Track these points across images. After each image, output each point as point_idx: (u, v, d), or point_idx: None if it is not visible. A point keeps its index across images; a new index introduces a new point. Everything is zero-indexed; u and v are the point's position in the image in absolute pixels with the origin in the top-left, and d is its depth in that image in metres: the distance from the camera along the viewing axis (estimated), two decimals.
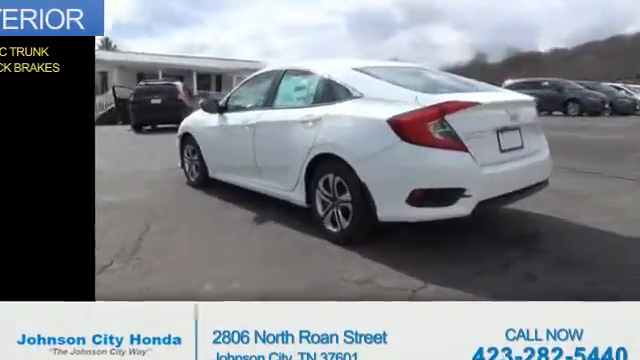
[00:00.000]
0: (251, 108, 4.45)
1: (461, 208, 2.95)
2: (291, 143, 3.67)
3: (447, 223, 3.36)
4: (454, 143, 2.92)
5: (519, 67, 47.91)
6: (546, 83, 18.95)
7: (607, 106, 18.30)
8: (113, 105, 18.83)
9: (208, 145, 5.10)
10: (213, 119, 4.91)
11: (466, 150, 2.94)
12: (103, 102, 22.45)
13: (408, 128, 2.91)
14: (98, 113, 23.00)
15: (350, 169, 3.16)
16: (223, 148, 4.81)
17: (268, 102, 4.23)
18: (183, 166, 5.76)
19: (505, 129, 3.19)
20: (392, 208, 3.02)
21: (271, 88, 4.26)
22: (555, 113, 18.66)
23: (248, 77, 4.98)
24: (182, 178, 5.73)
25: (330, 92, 3.59)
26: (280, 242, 3.46)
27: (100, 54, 26.10)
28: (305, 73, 4.02)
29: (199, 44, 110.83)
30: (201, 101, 5.60)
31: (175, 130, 6.11)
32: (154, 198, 4.99)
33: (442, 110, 2.91)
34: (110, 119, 20.20)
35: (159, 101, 14.21)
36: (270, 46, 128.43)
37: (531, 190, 3.43)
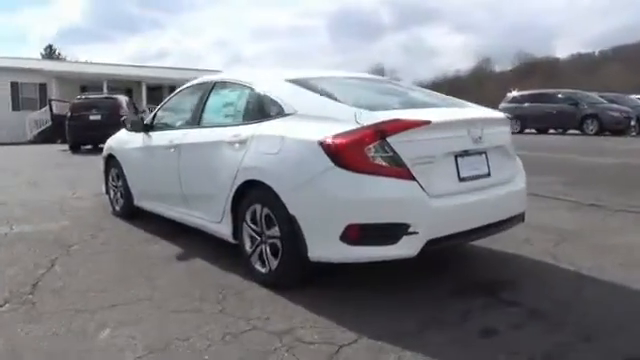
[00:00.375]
0: (178, 127, 4.42)
1: (405, 248, 2.83)
2: (217, 167, 3.60)
3: (401, 261, 3.35)
4: (397, 170, 2.80)
5: (531, 75, 48.65)
6: (560, 95, 19.02)
7: (633, 123, 18.15)
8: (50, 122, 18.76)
9: (132, 169, 5.03)
10: (138, 139, 4.87)
11: (412, 178, 2.82)
12: (42, 118, 22.38)
13: (342, 151, 2.80)
14: (34, 131, 22.96)
15: (278, 199, 3.07)
16: (147, 173, 4.75)
17: (195, 120, 4.19)
18: (108, 192, 5.71)
19: (466, 153, 3.10)
20: (324, 246, 2.92)
21: (198, 103, 4.21)
22: (571, 131, 19.02)
23: (177, 90, 4.98)
24: (108, 206, 5.72)
25: (260, 108, 3.54)
26: (199, 283, 3.38)
27: (38, 64, 26.20)
28: (234, 86, 3.97)
29: (157, 51, 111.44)
30: (123, 118, 5.57)
31: None
32: (69, 230, 4.92)
33: (382, 131, 2.80)
34: (47, 137, 20.10)
35: (99, 117, 14.22)
36: (238, 52, 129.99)
37: (500, 227, 3.34)
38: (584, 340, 2.58)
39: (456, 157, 3.08)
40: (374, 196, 2.80)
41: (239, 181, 3.39)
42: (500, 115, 3.63)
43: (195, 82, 4.55)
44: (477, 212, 3.14)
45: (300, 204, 3.00)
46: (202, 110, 4.13)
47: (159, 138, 4.52)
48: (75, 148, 14.84)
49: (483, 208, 3.17)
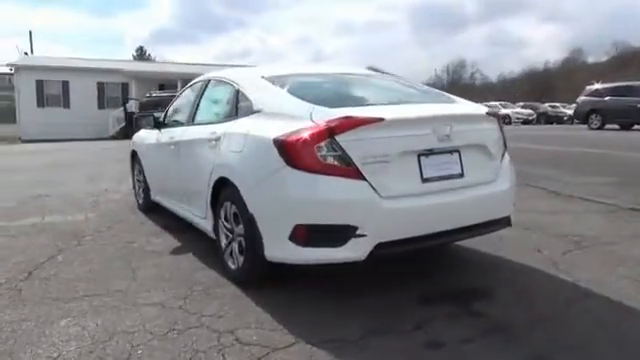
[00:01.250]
0: (179, 124, 4.56)
1: (352, 251, 2.72)
2: (199, 165, 3.68)
3: (383, 263, 3.26)
4: (346, 169, 2.70)
5: (628, 67, 44.96)
6: None
7: None
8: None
9: (148, 165, 5.27)
10: (152, 136, 5.08)
11: (362, 178, 2.71)
12: (121, 116, 23.93)
13: (292, 150, 2.74)
14: (116, 127, 24.61)
15: (241, 197, 3.07)
16: (158, 169, 4.94)
17: (190, 117, 4.31)
18: (134, 187, 6.00)
19: (430, 152, 2.94)
20: (277, 246, 2.87)
21: (194, 101, 4.33)
22: None
23: (184, 87, 5.11)
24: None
25: (236, 106, 3.56)
26: (177, 278, 3.45)
27: (119, 64, 27.99)
28: (221, 84, 4.01)
29: (241, 50, 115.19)
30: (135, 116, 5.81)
31: None
32: (91, 222, 5.23)
33: (331, 129, 2.70)
34: (125, 134, 21.49)
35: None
36: (320, 49, 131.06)
37: (474, 231, 3.13)
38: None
39: (419, 156, 2.91)
40: (321, 196, 2.72)
41: (214, 178, 3.43)
42: (480, 112, 3.34)
43: (196, 79, 4.66)
44: (442, 215, 2.95)
45: (257, 203, 2.98)
46: (196, 108, 4.24)
47: (165, 135, 4.68)
48: None
49: (450, 211, 2.97)
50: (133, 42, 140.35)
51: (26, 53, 31.39)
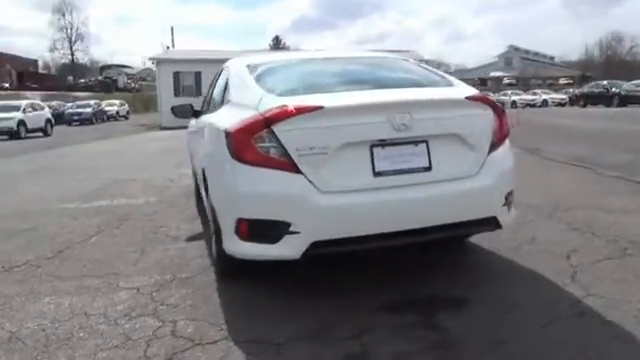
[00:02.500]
0: (205, 112, 4.68)
1: (286, 248, 2.58)
2: (197, 154, 3.80)
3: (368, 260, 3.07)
4: (280, 162, 2.55)
5: None
6: None
7: None
8: None
9: (191, 153, 5.52)
10: (192, 125, 5.30)
11: (297, 171, 2.55)
12: None
13: (234, 141, 2.64)
14: None
15: (208, 188, 3.10)
16: (193, 157, 5.16)
17: (207, 105, 4.37)
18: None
19: (385, 143, 2.65)
20: (228, 240, 2.80)
21: (209, 90, 4.41)
22: None
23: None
24: None
25: (224, 95, 3.53)
26: (173, 264, 3.56)
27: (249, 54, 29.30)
28: (223, 72, 4.00)
29: (377, 34, 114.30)
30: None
31: None
32: (146, 206, 5.66)
33: (267, 119, 2.56)
34: None
35: None
36: (458, 29, 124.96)
37: (445, 232, 2.78)
38: None
39: (372, 148, 2.63)
40: (257, 190, 2.60)
41: (201, 168, 3.48)
42: (456, 96, 2.91)
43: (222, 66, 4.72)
44: (399, 213, 2.64)
45: (215, 195, 2.97)
46: (210, 96, 4.33)
47: (197, 124, 4.85)
48: None
49: (410, 208, 2.65)
50: (274, 32, 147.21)
51: (168, 47, 34.61)
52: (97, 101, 36.27)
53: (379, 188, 2.63)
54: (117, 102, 38.92)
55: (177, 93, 28.59)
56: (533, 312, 2.63)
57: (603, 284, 2.91)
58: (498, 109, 2.96)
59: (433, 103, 2.82)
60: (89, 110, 32.89)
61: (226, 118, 2.95)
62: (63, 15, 70.15)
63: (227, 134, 2.73)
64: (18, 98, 42.51)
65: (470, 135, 2.81)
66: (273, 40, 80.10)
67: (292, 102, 2.63)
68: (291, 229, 2.54)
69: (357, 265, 3.41)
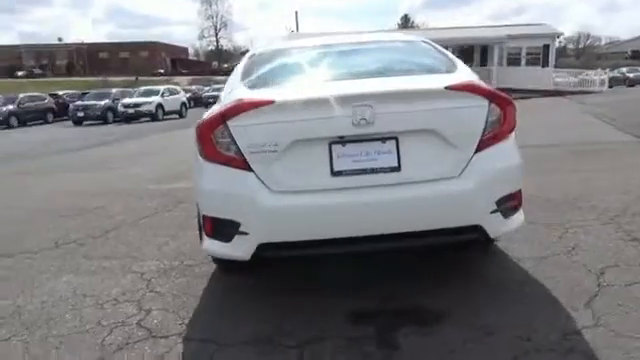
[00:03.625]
0: None
1: (237, 249, 2.47)
2: None
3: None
4: (232, 158, 2.42)
5: None
6: None
7: None
8: None
9: None
10: None
11: (248, 169, 2.41)
12: None
13: (198, 137, 2.55)
14: None
15: None
16: None
17: None
18: None
19: (345, 140, 2.40)
20: (201, 235, 2.77)
21: None
22: None
23: None
24: None
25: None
26: (184, 253, 3.67)
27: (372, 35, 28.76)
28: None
29: (515, 7, 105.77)
30: None
31: None
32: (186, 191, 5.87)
33: (223, 114, 2.43)
34: None
35: None
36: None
37: (417, 240, 2.46)
38: None
39: (330, 144, 2.41)
40: (214, 188, 2.53)
41: None
42: (434, 86, 2.50)
43: None
44: (359, 217, 2.38)
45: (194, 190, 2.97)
46: None
47: None
48: None
49: (373, 212, 2.38)
50: (405, 11, 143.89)
51: (292, 31, 35.58)
52: None
53: (337, 189, 2.40)
54: None
55: None
56: (510, 341, 2.25)
57: (621, 314, 2.39)
58: (499, 100, 2.52)
59: (403, 95, 2.44)
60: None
61: (208, 112, 2.92)
62: (210, 5, 75.74)
63: (195, 129, 2.70)
64: (169, 83, 46.82)
65: (450, 131, 2.42)
66: (402, 19, 78.41)
67: (249, 96, 2.51)
68: (241, 229, 2.44)
69: (353, 264, 3.20)
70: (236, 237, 2.46)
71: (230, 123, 2.44)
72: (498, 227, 2.51)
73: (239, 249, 2.47)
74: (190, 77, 63.68)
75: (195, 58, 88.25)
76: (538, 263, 3.04)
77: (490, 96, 2.49)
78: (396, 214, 2.40)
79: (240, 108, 2.43)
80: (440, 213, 2.41)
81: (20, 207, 5.75)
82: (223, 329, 2.54)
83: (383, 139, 2.41)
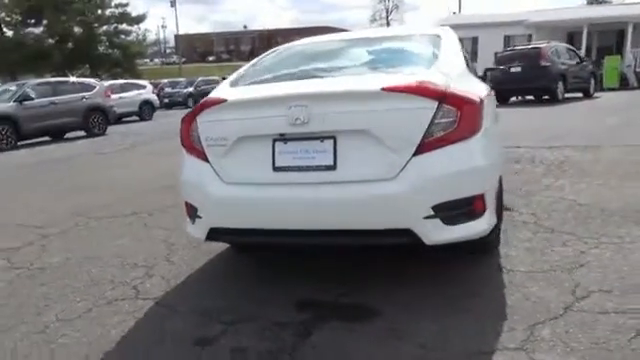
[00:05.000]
0: None
1: (197, 230, 2.80)
2: None
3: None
4: (197, 151, 2.75)
5: None
6: None
7: None
8: None
9: None
10: None
11: (207, 160, 2.70)
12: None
13: (180, 129, 2.91)
14: None
15: None
16: None
17: None
18: None
19: (285, 138, 2.54)
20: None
21: None
22: None
23: None
24: None
25: None
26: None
27: (527, 15, 26.51)
28: None
29: None
30: None
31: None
32: None
33: (194, 110, 2.78)
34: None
35: (518, 69, 13.92)
36: None
37: (351, 238, 2.51)
38: None
39: (274, 142, 2.57)
40: (185, 175, 2.88)
41: None
42: (371, 87, 2.47)
43: None
44: (297, 212, 2.52)
45: None
46: None
47: None
48: (502, 100, 15.18)
49: (308, 208, 2.49)
50: None
51: (454, 13, 34.18)
52: None
53: (278, 184, 2.56)
54: None
55: None
56: (407, 349, 2.19)
57: (556, 344, 2.15)
58: (454, 100, 2.39)
59: (339, 96, 2.51)
60: None
61: None
62: None
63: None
64: None
65: (385, 133, 2.40)
66: None
67: (216, 94, 2.86)
68: (198, 213, 2.76)
69: (334, 259, 3.29)
70: (197, 220, 2.79)
71: (198, 118, 2.76)
72: (436, 233, 2.42)
73: (198, 231, 2.80)
74: None
75: None
76: (527, 278, 2.79)
77: (441, 97, 2.39)
78: (329, 211, 2.48)
79: (204, 105, 2.75)
80: (371, 214, 2.43)
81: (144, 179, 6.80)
82: (183, 298, 2.90)
83: (322, 138, 2.49)
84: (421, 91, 2.40)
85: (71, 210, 5.17)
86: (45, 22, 39.47)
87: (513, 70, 14.15)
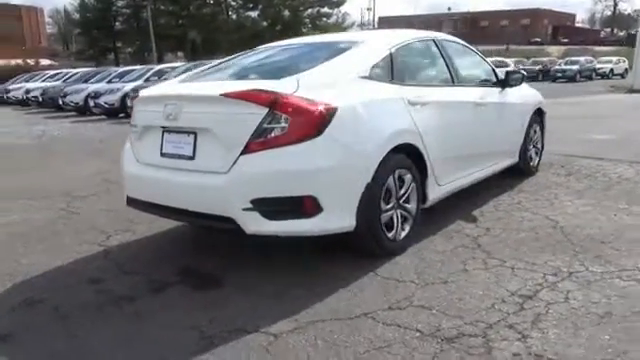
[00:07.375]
0: None
1: (124, 195, 3.34)
2: None
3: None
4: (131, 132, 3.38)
5: None
6: None
7: None
8: None
9: None
10: None
11: (131, 142, 3.33)
12: None
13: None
14: None
15: None
16: None
17: None
18: None
19: (166, 130, 3.01)
20: None
21: None
22: None
23: None
24: None
25: None
26: None
27: None
28: None
29: None
30: None
31: None
32: None
33: (133, 100, 3.45)
34: None
35: None
36: None
37: (199, 220, 2.94)
38: None
39: (163, 132, 3.05)
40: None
41: None
42: (211, 93, 2.89)
43: None
44: (170, 192, 2.97)
45: None
46: None
47: None
48: None
49: (175, 189, 2.94)
50: None
51: None
52: (589, 58, 34.34)
53: (161, 167, 3.04)
54: (614, 59, 35.21)
55: None
56: (194, 319, 2.41)
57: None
58: (284, 108, 2.60)
59: (198, 98, 2.98)
60: (575, 68, 31.75)
61: None
62: None
63: None
64: (540, 53, 43.46)
65: (222, 132, 2.75)
66: None
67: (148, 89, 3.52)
68: (123, 183, 3.39)
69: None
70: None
71: (134, 107, 3.40)
72: (255, 225, 2.65)
73: (125, 197, 3.36)
74: (565, 47, 58.02)
75: (583, 25, 79.42)
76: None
77: (271, 104, 2.60)
78: (183, 194, 2.90)
79: (135, 97, 3.41)
80: (207, 201, 2.79)
81: None
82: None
83: (188, 132, 2.92)
84: (251, 98, 2.66)
85: None
86: (260, 7, 44.41)
87: None
